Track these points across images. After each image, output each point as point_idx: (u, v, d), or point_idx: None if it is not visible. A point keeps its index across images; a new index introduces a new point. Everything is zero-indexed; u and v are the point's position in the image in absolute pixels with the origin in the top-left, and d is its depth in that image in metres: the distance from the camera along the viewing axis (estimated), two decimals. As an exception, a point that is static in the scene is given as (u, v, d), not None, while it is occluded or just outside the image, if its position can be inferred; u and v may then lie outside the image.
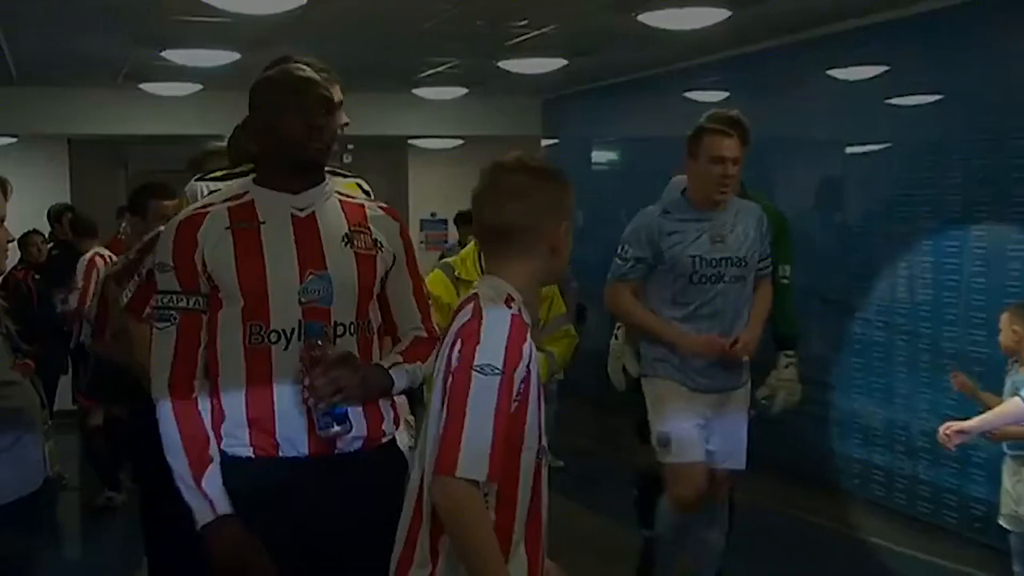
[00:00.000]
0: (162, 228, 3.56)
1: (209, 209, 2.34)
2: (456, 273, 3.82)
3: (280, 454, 2.30)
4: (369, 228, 2.42)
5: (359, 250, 2.38)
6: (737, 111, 4.29)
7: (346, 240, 2.37)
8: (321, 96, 2.35)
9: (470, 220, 6.84)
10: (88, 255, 6.68)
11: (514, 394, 1.97)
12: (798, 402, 4.41)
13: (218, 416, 2.34)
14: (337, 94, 2.77)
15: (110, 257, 6.65)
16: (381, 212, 2.50)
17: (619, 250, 4.04)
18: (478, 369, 1.94)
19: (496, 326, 1.99)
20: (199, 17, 5.55)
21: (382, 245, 2.43)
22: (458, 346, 1.99)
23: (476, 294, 2.10)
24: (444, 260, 3.86)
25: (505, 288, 2.08)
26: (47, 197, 8.26)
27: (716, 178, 3.85)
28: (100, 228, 7.19)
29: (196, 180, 3.18)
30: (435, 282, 3.74)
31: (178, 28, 5.93)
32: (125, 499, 6.38)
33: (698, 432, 3.94)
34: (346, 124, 2.87)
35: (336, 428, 2.26)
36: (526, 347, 2.00)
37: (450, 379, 1.98)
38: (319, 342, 2.26)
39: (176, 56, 6.70)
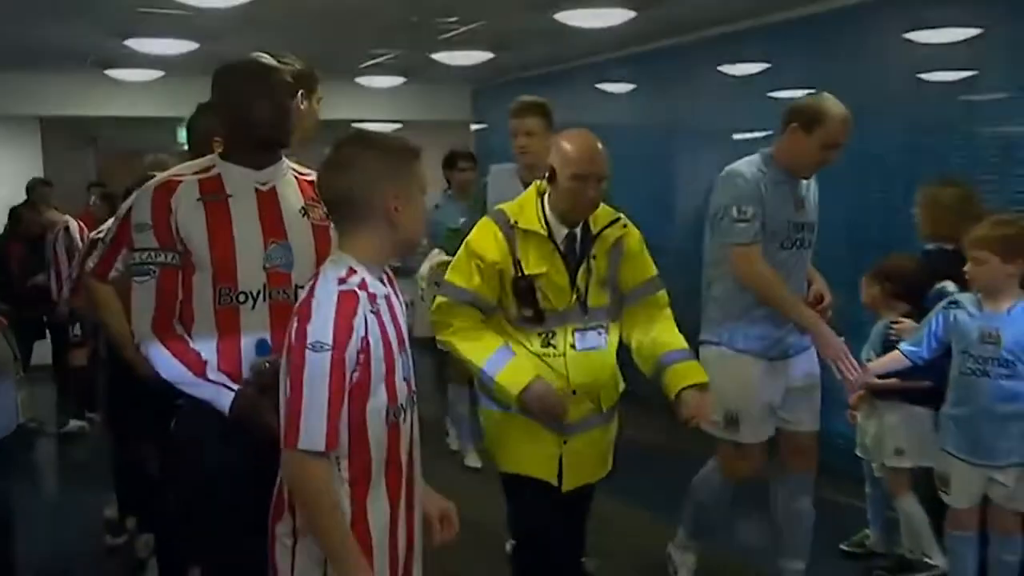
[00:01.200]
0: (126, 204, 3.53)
1: (181, 178, 2.32)
2: (512, 221, 2.84)
3: None
4: (321, 201, 2.40)
5: (315, 221, 2.38)
6: (544, 99, 4.05)
7: (303, 212, 2.38)
8: (286, 83, 2.36)
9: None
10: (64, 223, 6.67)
11: (351, 366, 1.88)
12: None
13: None
14: (318, 92, 2.89)
15: (82, 226, 6.64)
16: None
17: (736, 212, 3.31)
18: (310, 347, 1.84)
19: (325, 304, 1.88)
20: (161, 9, 5.45)
21: None
22: (295, 324, 1.90)
23: (319, 270, 1.99)
24: (498, 207, 2.95)
25: (347, 262, 1.96)
26: (22, 173, 8.07)
27: (823, 161, 3.36)
28: (72, 200, 7.09)
29: None
30: (482, 237, 2.85)
31: (141, 19, 5.81)
32: (84, 428, 6.56)
33: (769, 411, 3.48)
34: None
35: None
36: (358, 321, 1.89)
37: (290, 356, 1.89)
38: (266, 363, 2.23)
39: (139, 45, 6.54)
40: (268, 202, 2.34)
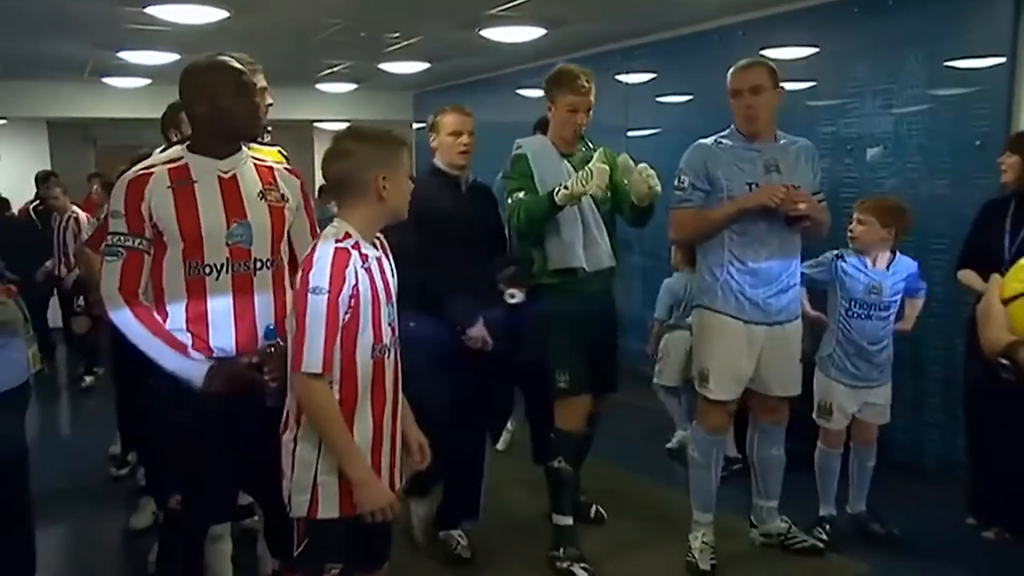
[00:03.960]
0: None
1: (153, 170, 2.23)
2: None
3: (214, 356, 2.22)
4: (278, 185, 2.34)
5: (271, 203, 2.30)
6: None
7: (261, 195, 2.29)
8: (255, 84, 2.29)
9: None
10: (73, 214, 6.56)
11: (343, 309, 1.94)
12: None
13: None
14: (261, 80, 2.68)
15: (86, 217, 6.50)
16: (286, 172, 2.41)
17: (676, 180, 3.11)
18: (311, 291, 1.92)
19: (323, 258, 1.94)
20: (147, 26, 5.31)
21: (288, 198, 2.35)
22: (300, 275, 1.97)
23: (322, 233, 2.06)
24: None
25: (344, 227, 2.02)
26: (32, 166, 7.81)
27: (742, 109, 3.08)
28: (76, 190, 6.91)
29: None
30: None
31: (131, 34, 5.64)
32: (94, 382, 6.39)
33: (739, 372, 3.11)
34: (270, 104, 2.75)
35: (274, 402, 2.15)
36: (350, 271, 1.95)
37: (296, 300, 1.96)
38: (271, 346, 2.19)
39: (130, 56, 6.35)
40: (230, 187, 2.26)
